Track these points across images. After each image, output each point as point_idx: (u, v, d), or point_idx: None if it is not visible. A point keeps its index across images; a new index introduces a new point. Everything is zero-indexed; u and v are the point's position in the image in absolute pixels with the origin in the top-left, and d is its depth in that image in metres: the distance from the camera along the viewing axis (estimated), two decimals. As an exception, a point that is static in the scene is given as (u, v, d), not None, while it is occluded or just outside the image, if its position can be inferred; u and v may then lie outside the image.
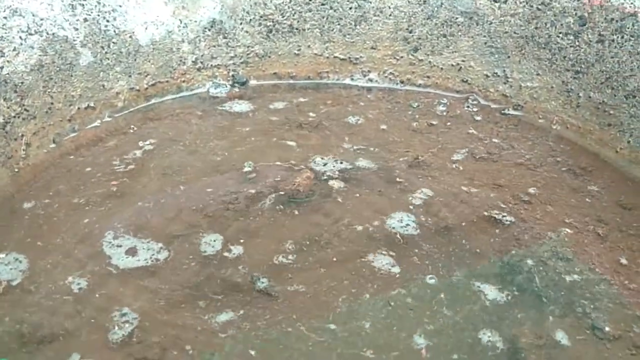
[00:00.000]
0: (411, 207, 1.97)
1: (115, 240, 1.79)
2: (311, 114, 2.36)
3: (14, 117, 2.00)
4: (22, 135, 2.03)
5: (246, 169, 2.08)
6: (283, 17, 2.45)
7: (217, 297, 1.67)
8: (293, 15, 2.45)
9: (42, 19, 2.05)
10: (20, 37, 2.00)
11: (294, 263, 1.78)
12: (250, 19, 2.44)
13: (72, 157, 2.14)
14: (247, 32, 2.46)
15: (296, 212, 1.94)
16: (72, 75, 2.17)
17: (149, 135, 2.28)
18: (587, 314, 1.61)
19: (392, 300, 1.74)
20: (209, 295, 1.67)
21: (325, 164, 2.10)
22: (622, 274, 1.70)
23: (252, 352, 1.54)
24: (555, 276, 1.74)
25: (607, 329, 1.55)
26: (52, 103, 2.12)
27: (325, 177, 2.08)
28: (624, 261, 1.74)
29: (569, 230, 1.83)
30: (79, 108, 2.21)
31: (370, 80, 2.53)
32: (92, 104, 2.25)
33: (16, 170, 1.99)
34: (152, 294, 1.63)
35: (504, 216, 1.90)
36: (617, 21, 2.07)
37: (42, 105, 2.09)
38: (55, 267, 1.70)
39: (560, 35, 2.23)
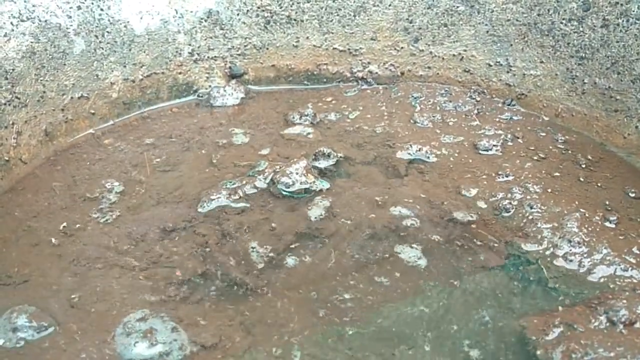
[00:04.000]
0: (413, 200, 1.91)
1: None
2: (310, 107, 2.31)
3: (5, 104, 1.94)
4: (13, 124, 1.97)
5: (243, 164, 2.02)
6: (281, 7, 2.41)
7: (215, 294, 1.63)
8: (291, 6, 2.41)
9: (34, 6, 2.00)
10: (12, 23, 1.95)
11: (292, 257, 1.74)
12: (248, 10, 2.40)
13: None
14: (244, 23, 2.42)
15: (295, 206, 1.89)
16: (65, 64, 2.12)
17: (146, 132, 2.24)
18: (601, 302, 1.54)
19: (399, 290, 1.69)
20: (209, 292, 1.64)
21: (325, 158, 2.05)
22: (635, 262, 1.64)
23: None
24: (565, 265, 1.68)
25: (621, 314, 1.48)
26: (44, 92, 2.07)
27: (325, 171, 2.03)
28: (636, 250, 1.68)
29: (577, 220, 1.76)
30: (72, 98, 2.16)
31: (370, 72, 2.48)
32: (85, 94, 2.19)
33: (6, 159, 1.94)
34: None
35: (510, 207, 1.84)
36: (621, 4, 2.03)
37: (34, 94, 2.04)
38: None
39: (564, 21, 2.18)
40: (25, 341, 1.39)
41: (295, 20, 2.44)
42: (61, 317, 1.45)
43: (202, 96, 2.42)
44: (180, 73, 2.40)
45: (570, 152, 2.08)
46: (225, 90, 2.40)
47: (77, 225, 1.78)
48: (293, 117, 2.26)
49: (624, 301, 1.51)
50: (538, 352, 1.44)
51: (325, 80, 2.49)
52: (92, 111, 2.22)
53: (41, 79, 2.06)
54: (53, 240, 1.72)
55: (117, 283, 1.57)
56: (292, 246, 1.78)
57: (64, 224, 1.78)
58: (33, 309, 1.45)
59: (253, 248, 1.74)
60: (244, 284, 1.65)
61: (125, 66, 2.28)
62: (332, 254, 1.77)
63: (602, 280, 1.63)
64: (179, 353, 1.42)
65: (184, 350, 1.44)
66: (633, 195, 1.89)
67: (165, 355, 1.41)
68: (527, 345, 1.48)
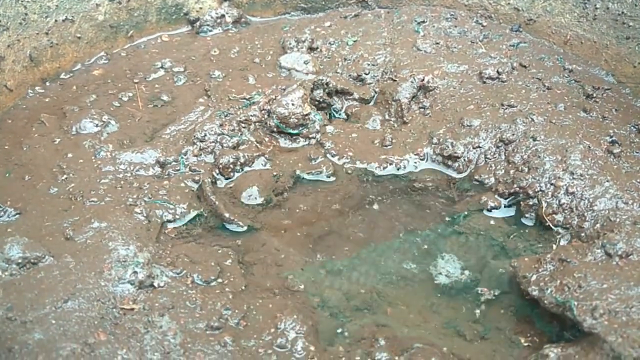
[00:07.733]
0: (413, 139, 1.87)
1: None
2: (307, 33, 2.19)
3: (-16, 27, 1.84)
4: (-5, 48, 1.88)
5: (238, 96, 1.94)
6: None
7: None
8: None
9: None
10: (-14, -63, 1.81)
11: (288, 197, 1.74)
12: None
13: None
14: (237, -62, 2.26)
15: (292, 144, 1.86)
16: (46, -17, 2.00)
17: (137, 63, 2.15)
18: (600, 235, 1.53)
19: (397, 223, 1.69)
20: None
21: (323, 88, 1.96)
22: (637, 195, 1.61)
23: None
24: (564, 198, 1.66)
25: (618, 247, 1.47)
26: (26, 13, 1.96)
27: (321, 105, 1.96)
28: (639, 183, 1.65)
29: (581, 152, 1.72)
30: (56, 21, 2.05)
31: (371, -6, 2.35)
32: (70, 17, 2.08)
33: (-9, 85, 1.87)
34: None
35: (513, 138, 1.79)
36: None
37: (15, 16, 1.93)
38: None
39: (580, -61, 2.04)
40: (19, 272, 1.38)
41: None
42: (56, 250, 1.43)
43: (193, 21, 2.30)
44: (169, -6, 2.27)
45: (577, 82, 2.01)
46: (217, 13, 2.27)
47: (69, 160, 1.73)
48: (290, 44, 2.15)
49: (623, 234, 1.50)
50: (530, 289, 1.44)
51: (323, 2, 2.36)
52: (78, 35, 2.11)
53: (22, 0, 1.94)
54: (45, 174, 1.68)
55: (112, 217, 1.54)
56: (289, 186, 1.76)
57: (56, 157, 1.73)
58: (26, 240, 1.42)
59: (249, 186, 1.72)
60: (240, 223, 1.64)
61: (111, -14, 2.15)
62: (329, 194, 1.74)
63: (603, 213, 1.61)
64: (176, 287, 1.42)
65: (181, 284, 1.43)
66: (639, 128, 1.84)
67: (162, 289, 1.41)
68: (521, 283, 1.48)
